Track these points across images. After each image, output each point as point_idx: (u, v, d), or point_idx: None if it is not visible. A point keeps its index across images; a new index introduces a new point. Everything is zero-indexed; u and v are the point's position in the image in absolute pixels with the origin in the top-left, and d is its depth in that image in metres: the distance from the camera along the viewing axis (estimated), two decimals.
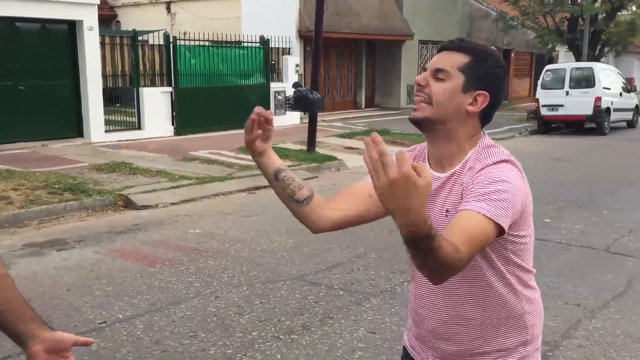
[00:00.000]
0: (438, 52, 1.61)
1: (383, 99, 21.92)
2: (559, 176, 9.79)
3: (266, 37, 15.32)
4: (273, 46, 15.67)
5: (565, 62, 21.51)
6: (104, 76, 12.29)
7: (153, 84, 13.28)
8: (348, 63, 20.78)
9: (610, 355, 3.71)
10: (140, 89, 12.81)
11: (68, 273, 5.13)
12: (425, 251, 1.19)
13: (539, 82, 17.08)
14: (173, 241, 6.10)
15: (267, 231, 6.38)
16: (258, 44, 15.26)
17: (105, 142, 11.91)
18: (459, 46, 1.56)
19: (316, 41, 11.26)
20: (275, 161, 1.64)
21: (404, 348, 1.79)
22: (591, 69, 16.51)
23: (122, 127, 12.76)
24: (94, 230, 6.48)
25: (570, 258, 5.59)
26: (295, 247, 5.81)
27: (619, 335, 3.96)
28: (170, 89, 13.32)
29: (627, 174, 10.05)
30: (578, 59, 20.65)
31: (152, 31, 14.02)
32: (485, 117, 1.58)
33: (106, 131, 12.23)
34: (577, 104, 15.94)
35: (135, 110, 12.88)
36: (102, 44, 12.21)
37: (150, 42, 13.77)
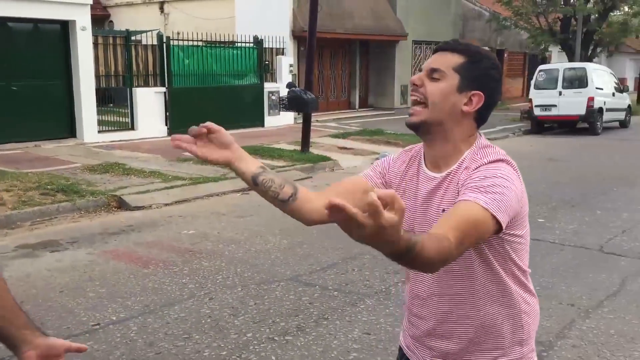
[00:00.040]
0: (433, 53, 1.62)
1: (377, 99, 21.94)
2: (552, 176, 9.82)
3: (260, 37, 15.31)
4: (267, 46, 15.66)
5: (558, 63, 21.61)
6: (97, 76, 12.25)
7: (146, 84, 13.24)
8: (342, 63, 20.79)
9: (604, 355, 3.72)
10: (133, 89, 12.77)
11: (61, 275, 5.10)
12: (409, 260, 1.20)
13: (532, 82, 17.14)
14: (167, 242, 6.08)
15: (261, 232, 6.36)
16: (252, 44, 15.24)
17: (98, 142, 11.86)
18: (454, 47, 1.57)
19: (310, 41, 11.25)
20: (250, 167, 1.59)
21: (400, 348, 1.79)
22: (584, 69, 16.59)
23: (115, 128, 12.72)
24: (87, 232, 6.45)
25: (564, 258, 5.61)
26: (290, 248, 5.80)
27: (612, 335, 3.97)
28: (163, 89, 13.29)
29: (620, 174, 10.09)
30: (571, 59, 20.74)
31: (146, 31, 13.98)
32: (480, 118, 1.59)
33: (99, 132, 12.18)
34: (570, 104, 16.01)
35: (129, 110, 12.84)
36: (95, 44, 12.17)
37: (144, 42, 13.73)
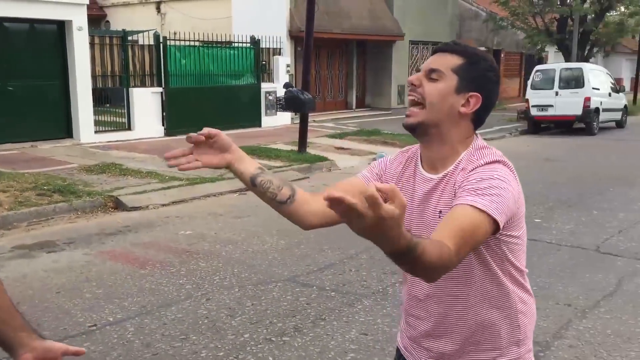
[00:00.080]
0: (432, 54, 1.62)
1: (374, 99, 21.95)
2: (549, 176, 9.84)
3: (257, 38, 15.30)
4: (264, 46, 15.66)
5: (555, 63, 21.67)
6: (94, 76, 12.22)
7: (143, 85, 13.21)
8: (339, 63, 20.79)
9: (601, 355, 3.72)
10: (130, 89, 12.75)
11: (58, 275, 5.09)
12: (409, 261, 1.19)
13: (529, 82, 17.17)
14: (164, 243, 6.07)
15: (258, 232, 6.36)
16: (249, 44, 15.23)
17: (94, 142, 11.84)
18: (453, 48, 1.58)
19: (307, 41, 11.25)
20: (249, 167, 1.60)
21: (397, 349, 1.79)
22: (580, 69, 16.62)
23: (112, 128, 12.70)
24: (83, 232, 6.44)
25: (560, 258, 5.62)
26: (287, 249, 5.80)
27: (609, 335, 3.98)
28: (160, 89, 13.27)
29: (617, 174, 10.11)
30: (567, 59, 20.78)
31: (142, 31, 13.96)
32: (477, 120, 1.59)
33: (96, 132, 12.16)
34: (567, 104, 16.04)
35: (125, 110, 12.82)
36: (92, 44, 12.14)
37: (140, 42, 13.70)
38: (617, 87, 18.53)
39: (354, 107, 21.25)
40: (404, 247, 1.13)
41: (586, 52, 22.44)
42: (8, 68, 10.94)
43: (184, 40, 13.92)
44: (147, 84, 13.27)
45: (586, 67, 17.02)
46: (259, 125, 15.19)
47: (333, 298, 4.60)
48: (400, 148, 1.81)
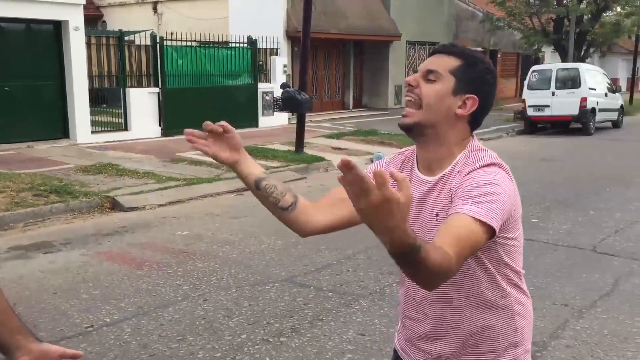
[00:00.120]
0: (430, 55, 1.62)
1: (371, 100, 21.96)
2: (546, 176, 9.85)
3: (254, 38, 15.29)
4: (261, 47, 15.64)
5: (551, 63, 21.69)
6: (90, 77, 12.20)
7: (140, 85, 13.19)
8: (336, 63, 20.80)
9: (598, 355, 3.73)
10: (126, 89, 12.73)
11: (54, 276, 5.08)
12: (412, 263, 1.19)
13: (526, 82, 17.21)
14: (161, 243, 6.06)
15: (255, 233, 6.36)
16: (246, 45, 15.22)
17: (91, 143, 11.81)
18: (450, 50, 1.58)
19: (304, 42, 11.25)
20: (254, 170, 1.62)
21: (394, 350, 1.79)
22: (577, 69, 16.66)
23: (109, 128, 12.67)
24: (80, 233, 6.42)
25: (557, 258, 5.63)
26: (284, 249, 5.80)
27: (606, 335, 3.99)
28: (157, 89, 13.25)
29: (613, 174, 10.14)
30: (564, 59, 20.83)
31: (139, 31, 13.94)
32: (474, 122, 1.59)
33: (92, 132, 12.13)
34: (563, 104, 16.08)
35: (122, 111, 12.79)
36: (88, 45, 12.12)
37: (137, 42, 13.69)
38: (614, 87, 18.59)
39: (351, 107, 21.25)
40: (409, 245, 1.14)
41: (582, 52, 22.49)
42: (4, 68, 10.91)
43: (181, 40, 13.90)
44: (143, 85, 13.25)
45: (582, 67, 17.07)
46: (256, 125, 15.18)
47: (330, 298, 4.60)
48: (397, 148, 1.81)
